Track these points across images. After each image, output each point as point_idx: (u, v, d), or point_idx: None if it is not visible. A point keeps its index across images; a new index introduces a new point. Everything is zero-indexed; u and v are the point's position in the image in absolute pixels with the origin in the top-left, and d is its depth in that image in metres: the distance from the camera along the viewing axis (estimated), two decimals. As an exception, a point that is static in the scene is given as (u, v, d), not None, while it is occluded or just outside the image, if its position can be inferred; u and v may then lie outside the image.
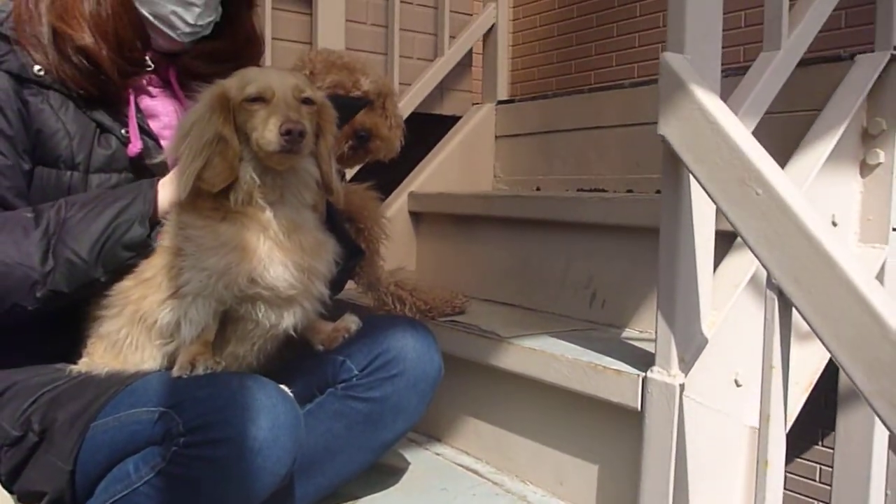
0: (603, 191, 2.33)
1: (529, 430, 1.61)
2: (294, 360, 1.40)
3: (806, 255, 0.98)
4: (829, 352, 0.97)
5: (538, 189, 2.59)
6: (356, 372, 1.35)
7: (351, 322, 1.40)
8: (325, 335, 1.39)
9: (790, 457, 3.69)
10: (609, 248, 1.84)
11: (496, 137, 2.76)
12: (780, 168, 1.06)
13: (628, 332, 1.73)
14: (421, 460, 1.72)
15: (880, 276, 1.61)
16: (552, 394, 1.51)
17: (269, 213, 1.23)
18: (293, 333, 1.30)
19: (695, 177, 1.16)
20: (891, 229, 1.62)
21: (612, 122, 2.34)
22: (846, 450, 1.57)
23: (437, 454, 1.76)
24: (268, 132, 1.18)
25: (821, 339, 0.98)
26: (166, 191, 1.27)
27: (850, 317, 0.94)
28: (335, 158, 1.67)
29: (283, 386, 1.22)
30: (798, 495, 3.60)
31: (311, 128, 1.24)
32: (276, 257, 1.22)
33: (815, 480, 3.55)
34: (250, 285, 1.20)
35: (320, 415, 1.35)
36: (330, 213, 1.46)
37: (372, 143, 1.69)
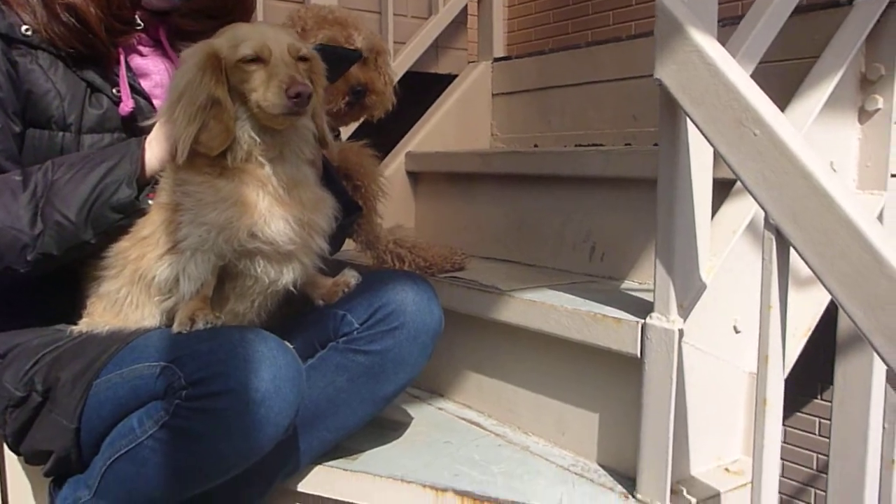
0: (600, 145, 2.32)
1: (531, 382, 1.62)
2: (295, 315, 1.41)
3: (803, 194, 0.97)
4: (828, 290, 0.97)
5: (536, 146, 2.58)
6: (357, 325, 1.35)
7: (351, 276, 1.40)
8: (326, 290, 1.39)
9: (790, 411, 3.72)
10: (608, 202, 1.83)
11: (493, 95, 2.74)
12: (777, 109, 1.05)
13: (628, 284, 1.73)
14: (424, 415, 1.73)
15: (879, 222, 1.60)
16: (553, 345, 1.51)
17: (268, 169, 1.23)
18: (293, 289, 1.30)
19: (692, 120, 1.15)
20: (889, 175, 1.61)
21: (609, 77, 2.32)
22: (844, 395, 1.58)
23: (440, 409, 1.78)
24: (271, 94, 1.17)
25: (819, 278, 0.98)
26: (153, 149, 1.26)
27: (848, 253, 0.94)
28: (333, 114, 1.68)
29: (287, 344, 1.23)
30: (798, 448, 3.64)
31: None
32: (276, 212, 1.21)
33: (814, 434, 3.59)
34: (250, 240, 1.20)
35: (322, 368, 1.36)
36: (327, 170, 1.46)
37: (367, 99, 1.69)
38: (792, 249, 1.02)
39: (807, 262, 0.99)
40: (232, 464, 1.14)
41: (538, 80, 2.58)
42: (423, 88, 2.66)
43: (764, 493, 1.06)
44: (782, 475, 3.87)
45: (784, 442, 3.94)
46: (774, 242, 1.02)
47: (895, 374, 0.90)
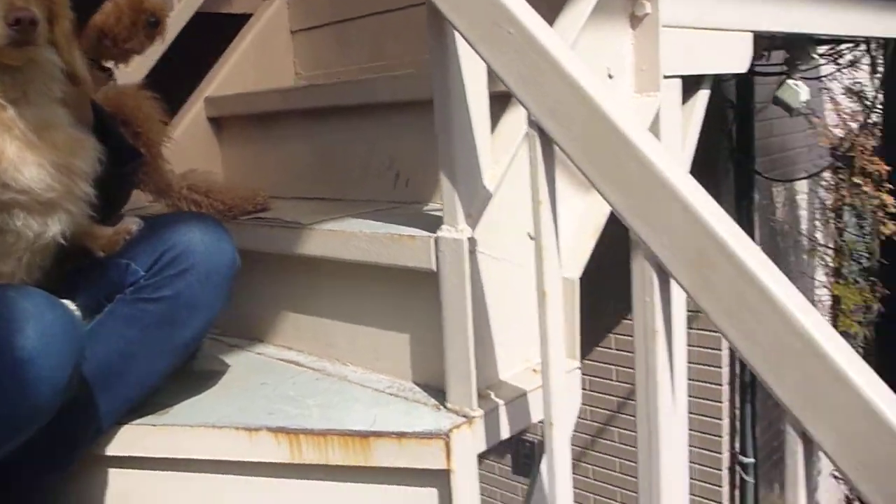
0: (397, 73, 2.31)
1: (345, 313, 1.61)
2: (76, 271, 1.32)
3: (556, 88, 1.00)
4: (590, 181, 1.02)
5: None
6: (143, 273, 1.28)
7: (132, 223, 1.33)
8: (105, 240, 1.31)
9: (616, 319, 3.97)
10: (405, 126, 1.83)
11: (292, 33, 2.65)
12: (530, 7, 1.07)
13: (432, 206, 1.75)
14: (242, 362, 1.69)
15: (655, 123, 1.69)
16: (360, 272, 1.51)
17: (11, 112, 1.13)
18: (62, 241, 1.22)
19: (455, 28, 1.16)
20: (662, 77, 1.70)
21: (401, 5, 2.30)
22: (639, 286, 1.68)
23: (259, 353, 1.74)
24: None
25: (580, 170, 1.02)
26: None
27: (603, 143, 0.98)
28: (138, 52, 1.58)
29: (67, 301, 1.15)
30: (627, 353, 3.90)
31: (42, 14, 1.13)
32: (28, 157, 1.12)
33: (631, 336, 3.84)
34: (2, 190, 1.10)
35: (111, 323, 1.29)
36: (101, 117, 1.37)
37: (158, 29, 1.60)
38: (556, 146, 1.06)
39: (569, 157, 1.03)
40: (11, 429, 1.06)
41: (334, 14, 2.52)
42: (216, 30, 2.53)
43: (552, 379, 1.11)
44: (613, 380, 4.14)
45: (615, 349, 4.22)
46: (538, 139, 1.05)
47: (650, 251, 0.96)
